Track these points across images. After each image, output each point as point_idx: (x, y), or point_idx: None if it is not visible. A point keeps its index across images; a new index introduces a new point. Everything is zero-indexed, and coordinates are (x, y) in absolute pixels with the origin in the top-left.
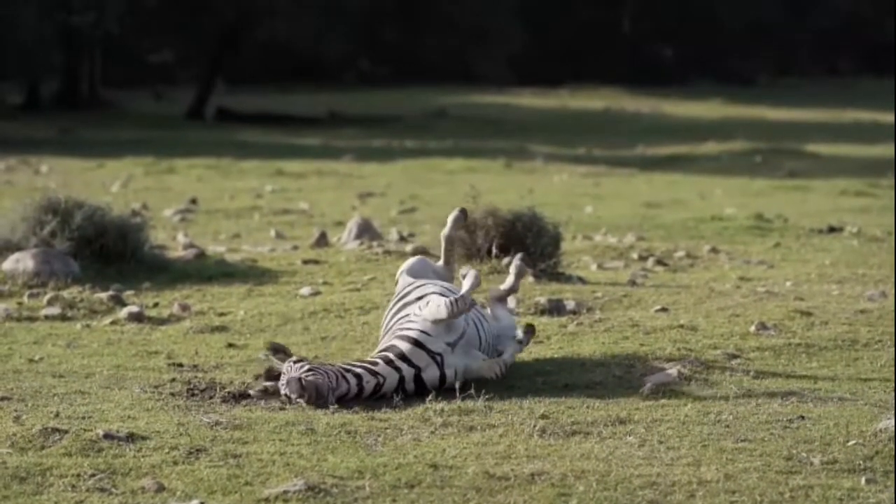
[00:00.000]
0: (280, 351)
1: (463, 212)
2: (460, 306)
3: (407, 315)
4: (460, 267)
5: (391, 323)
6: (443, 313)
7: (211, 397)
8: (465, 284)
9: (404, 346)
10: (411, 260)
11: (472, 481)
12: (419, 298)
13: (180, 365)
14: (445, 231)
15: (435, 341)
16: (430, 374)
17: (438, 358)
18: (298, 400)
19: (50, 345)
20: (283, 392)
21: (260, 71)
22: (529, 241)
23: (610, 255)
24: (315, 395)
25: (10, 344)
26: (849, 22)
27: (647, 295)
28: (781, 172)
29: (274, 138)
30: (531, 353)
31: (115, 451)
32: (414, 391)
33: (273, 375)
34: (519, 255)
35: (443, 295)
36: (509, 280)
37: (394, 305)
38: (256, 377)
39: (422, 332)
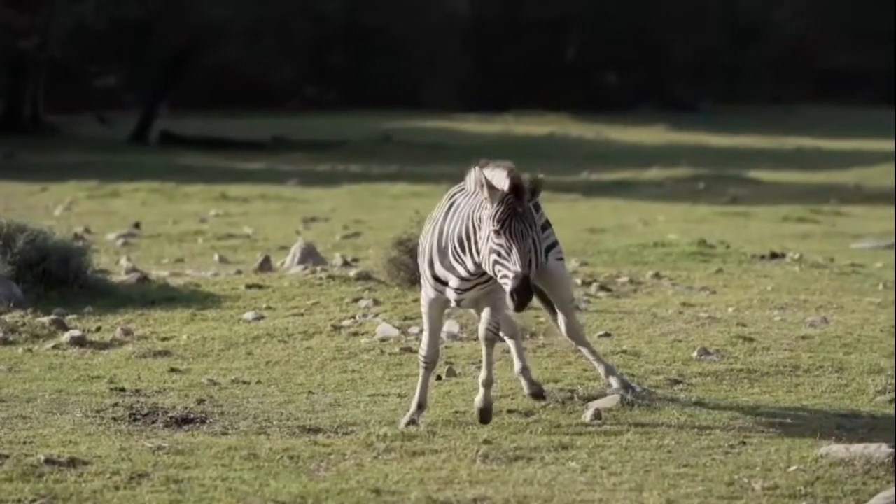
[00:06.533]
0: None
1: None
2: None
3: None
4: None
5: None
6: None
7: (153, 422)
8: None
9: None
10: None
11: None
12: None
13: (122, 389)
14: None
15: None
16: None
17: None
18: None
19: None
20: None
21: (206, 95)
22: None
23: None
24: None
25: None
26: (793, 50)
27: (591, 320)
28: (724, 199)
29: (218, 162)
30: (473, 376)
31: (57, 476)
32: None
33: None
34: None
35: None
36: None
37: None
38: None
39: None
